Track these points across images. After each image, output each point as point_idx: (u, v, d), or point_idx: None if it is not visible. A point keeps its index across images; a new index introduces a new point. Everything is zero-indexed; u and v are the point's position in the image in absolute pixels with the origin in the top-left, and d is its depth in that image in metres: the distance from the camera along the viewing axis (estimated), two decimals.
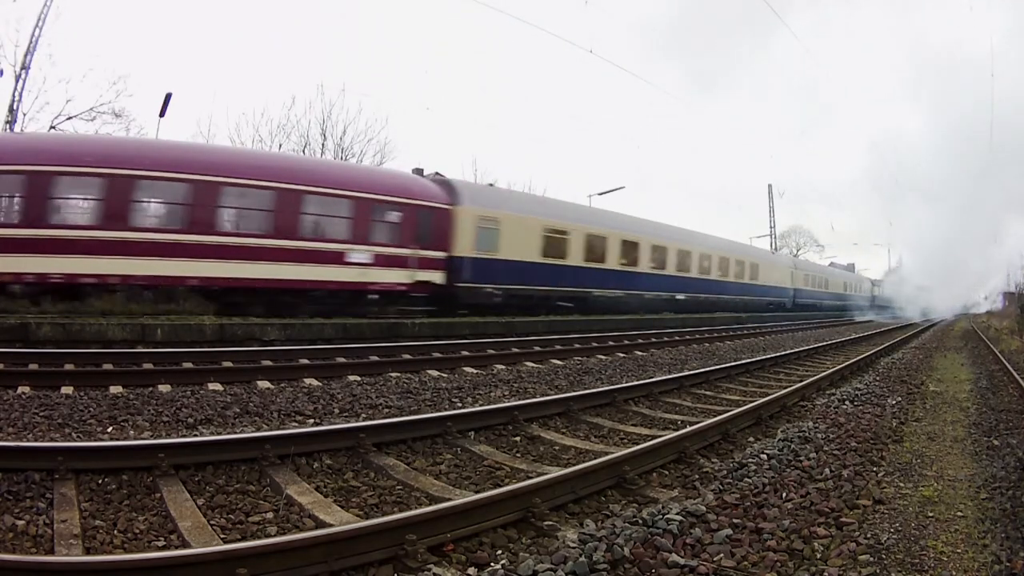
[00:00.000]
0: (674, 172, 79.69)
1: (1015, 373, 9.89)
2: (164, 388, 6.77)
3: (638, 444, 4.90)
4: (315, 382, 7.63)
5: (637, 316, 21.28)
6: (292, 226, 13.38)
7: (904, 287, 50.64)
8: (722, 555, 3.04)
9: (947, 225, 44.71)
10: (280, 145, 26.28)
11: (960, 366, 12.62)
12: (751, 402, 6.96)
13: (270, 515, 3.60)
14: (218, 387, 7.05)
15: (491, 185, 20.03)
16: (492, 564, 2.94)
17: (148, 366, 8.14)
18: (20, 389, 6.28)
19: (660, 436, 5.19)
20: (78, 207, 11.72)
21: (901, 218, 66.32)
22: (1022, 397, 8.10)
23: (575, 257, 19.33)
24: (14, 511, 3.35)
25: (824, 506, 3.71)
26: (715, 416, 6.08)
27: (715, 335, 18.42)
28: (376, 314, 14.33)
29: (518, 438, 5.60)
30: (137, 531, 3.29)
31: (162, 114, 17.80)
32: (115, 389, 6.55)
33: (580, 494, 3.98)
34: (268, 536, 3.28)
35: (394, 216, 14.97)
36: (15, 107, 21.19)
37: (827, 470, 4.42)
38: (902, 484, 4.24)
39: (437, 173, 18.55)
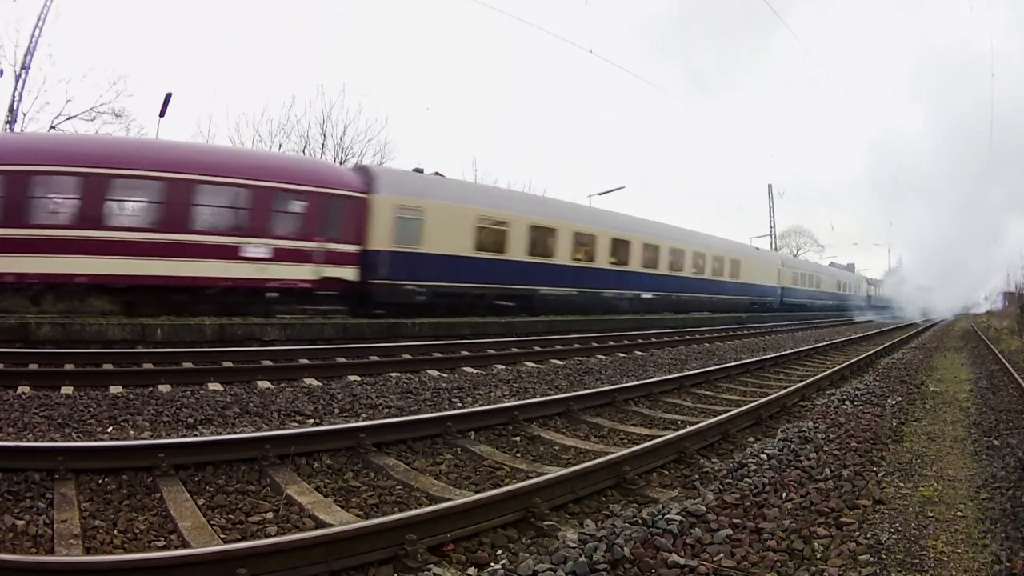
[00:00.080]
0: (674, 172, 79.70)
1: (1015, 373, 9.89)
2: (164, 388, 6.77)
3: (638, 444, 4.90)
4: (315, 382, 7.63)
5: (637, 316, 21.02)
6: (184, 219, 12.35)
7: (904, 287, 50.59)
8: (722, 555, 3.04)
9: (947, 225, 44.72)
10: (280, 145, 26.30)
11: (960, 366, 12.62)
12: (751, 402, 6.96)
13: (270, 515, 3.60)
14: (218, 387, 7.05)
15: (419, 171, 17.91)
16: (492, 564, 2.94)
17: (148, 366, 8.14)
18: (20, 389, 6.28)
19: (660, 436, 5.19)
20: None
21: (901, 218, 66.41)
22: (1022, 397, 8.10)
23: (517, 251, 17.42)
24: (14, 511, 3.35)
25: (824, 506, 3.71)
26: (715, 416, 6.08)
27: (715, 335, 18.42)
28: (280, 314, 13.13)
29: (518, 438, 5.60)
30: (137, 531, 3.29)
31: (162, 114, 17.85)
32: (115, 389, 6.55)
33: (580, 494, 3.98)
34: (268, 536, 3.28)
35: (298, 206, 13.58)
36: (15, 107, 21.23)
37: (827, 470, 4.42)
38: (902, 484, 4.24)
39: (437, 173, 18.50)
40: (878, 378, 9.52)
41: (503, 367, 9.77)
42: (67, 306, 11.49)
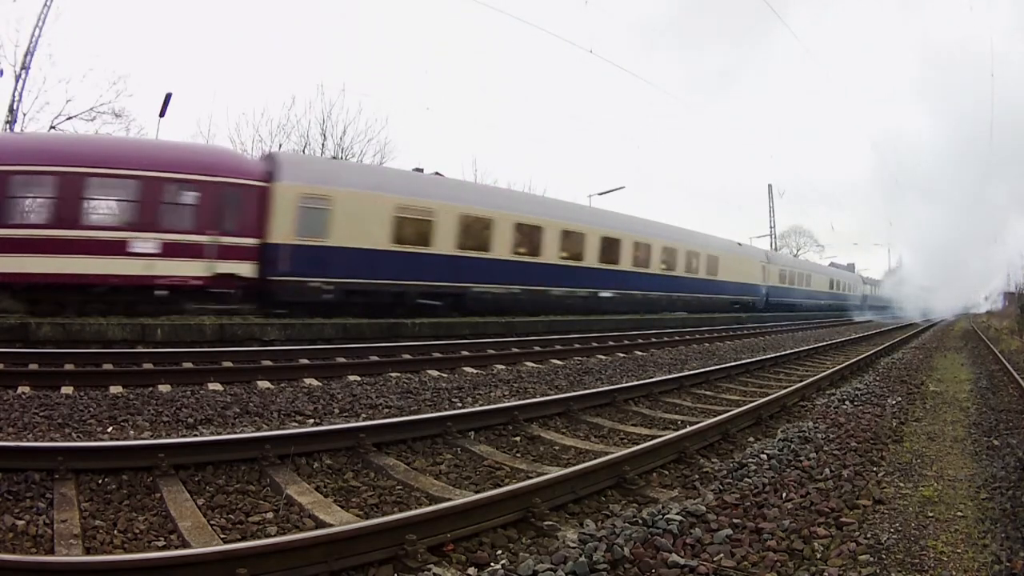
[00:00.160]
0: (674, 172, 79.74)
1: (1015, 373, 9.89)
2: (164, 388, 6.77)
3: (638, 444, 4.91)
4: (315, 382, 7.63)
5: (637, 316, 20.83)
6: (74, 214, 11.73)
7: (903, 287, 50.54)
8: (722, 555, 3.04)
9: (948, 225, 44.76)
10: (280, 145, 26.27)
11: (960, 366, 12.62)
12: (751, 402, 6.96)
13: (270, 515, 3.60)
14: (218, 387, 7.05)
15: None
16: (492, 564, 2.94)
17: (148, 366, 8.14)
18: (20, 389, 6.28)
19: (660, 436, 5.19)
20: None
21: (901, 218, 66.54)
22: (1022, 397, 8.10)
23: (445, 244, 15.69)
24: (14, 511, 3.36)
25: (824, 506, 3.71)
26: (715, 416, 6.08)
27: (715, 335, 18.42)
28: (171, 313, 12.18)
29: (518, 438, 5.60)
30: (137, 531, 3.29)
31: (162, 114, 17.82)
32: (115, 389, 6.55)
33: (580, 494, 3.98)
34: (268, 536, 3.28)
35: (190, 197, 12.66)
36: (15, 107, 21.24)
37: (827, 470, 4.42)
38: (902, 484, 4.24)
39: (437, 173, 18.50)
40: (878, 378, 9.52)
41: (503, 367, 9.77)
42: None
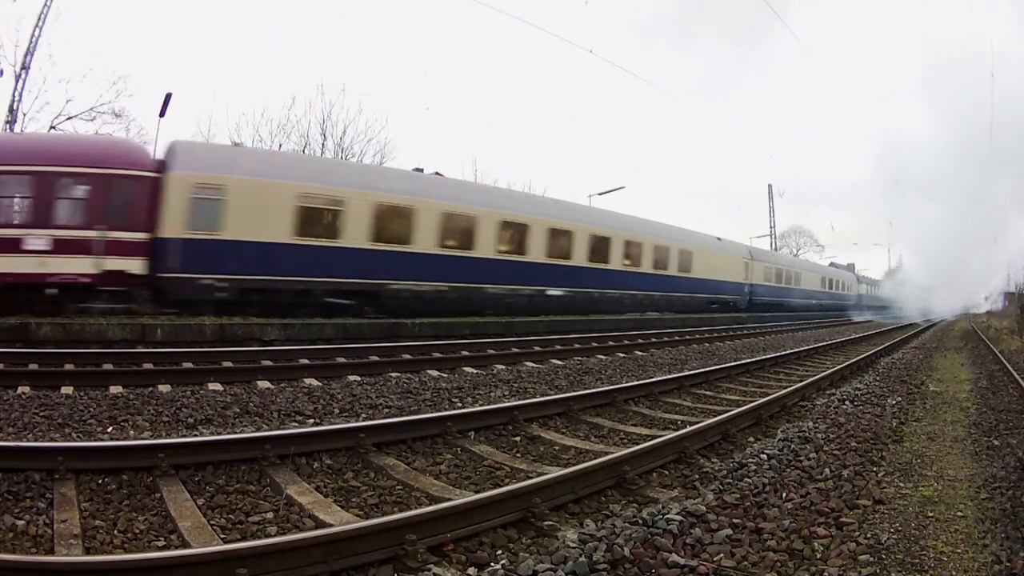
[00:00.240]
0: (674, 172, 79.82)
1: (1015, 373, 9.89)
2: (164, 388, 6.77)
3: (638, 444, 4.91)
4: (315, 382, 7.63)
5: (638, 316, 20.60)
6: None
7: (903, 287, 50.51)
8: (722, 555, 3.04)
9: (948, 225, 44.75)
10: (280, 145, 26.28)
11: (960, 366, 12.62)
12: (751, 402, 6.96)
13: (270, 515, 3.60)
14: (218, 387, 7.05)
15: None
16: (492, 564, 2.94)
17: (148, 366, 8.15)
18: (20, 389, 6.28)
19: (660, 436, 5.19)
20: None
21: (901, 218, 66.55)
22: (1022, 397, 8.10)
23: (356, 236, 14.31)
24: (14, 511, 3.36)
25: (824, 506, 3.71)
26: (715, 416, 6.08)
27: (715, 335, 18.42)
28: (64, 312, 11.56)
29: (518, 438, 5.60)
30: (137, 531, 3.29)
31: (162, 114, 17.73)
32: (115, 389, 6.55)
33: (580, 494, 3.98)
34: (268, 536, 3.28)
35: (81, 191, 12.17)
36: (15, 107, 21.27)
37: (827, 470, 4.42)
38: (902, 484, 4.24)
39: (437, 173, 18.46)
40: (878, 378, 9.52)
41: (503, 367, 9.77)
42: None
